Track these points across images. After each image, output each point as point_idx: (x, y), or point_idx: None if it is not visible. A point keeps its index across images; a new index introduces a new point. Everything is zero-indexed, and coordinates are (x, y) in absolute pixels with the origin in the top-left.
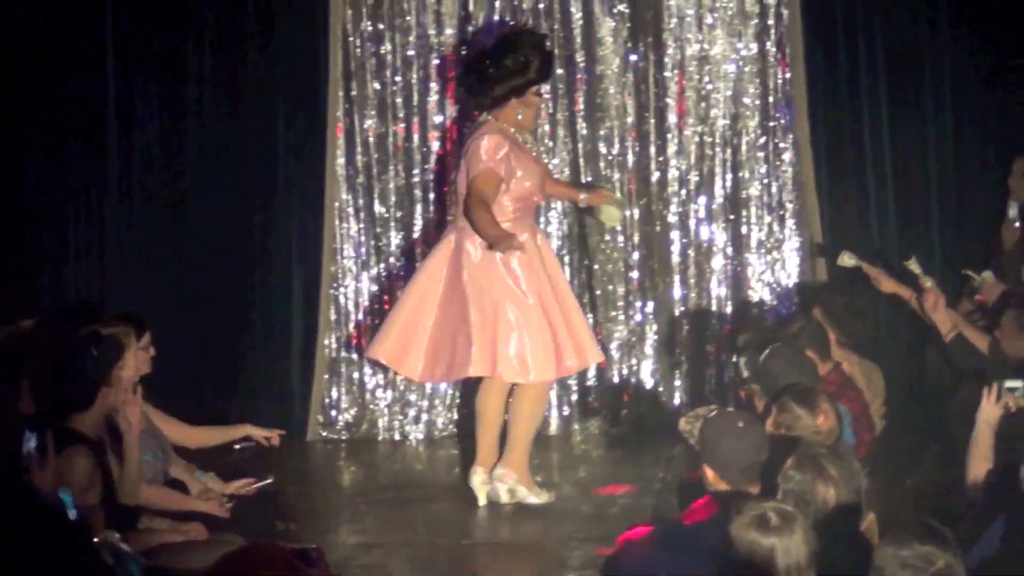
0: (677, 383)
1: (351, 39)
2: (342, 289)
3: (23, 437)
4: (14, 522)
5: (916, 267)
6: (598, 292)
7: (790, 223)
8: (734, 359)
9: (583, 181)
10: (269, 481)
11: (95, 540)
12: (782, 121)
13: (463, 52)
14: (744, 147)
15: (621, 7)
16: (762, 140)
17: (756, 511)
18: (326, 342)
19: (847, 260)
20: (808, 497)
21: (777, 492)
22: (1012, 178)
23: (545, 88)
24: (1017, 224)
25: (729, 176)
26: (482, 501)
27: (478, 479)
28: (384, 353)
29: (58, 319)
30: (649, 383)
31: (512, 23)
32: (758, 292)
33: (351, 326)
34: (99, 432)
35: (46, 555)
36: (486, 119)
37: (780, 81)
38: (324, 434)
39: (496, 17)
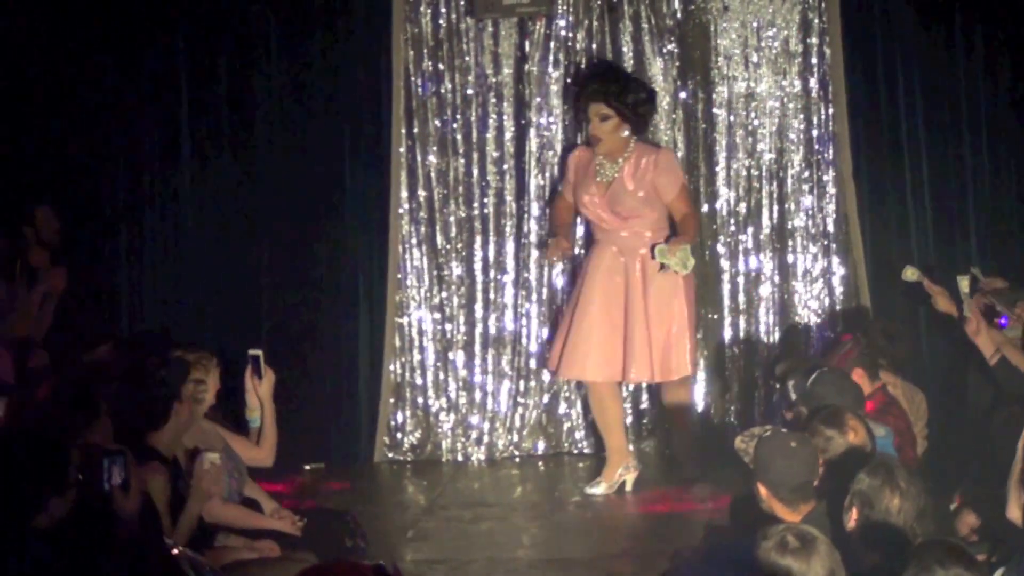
0: (727, 406)
1: (413, 79)
2: (406, 317)
3: (103, 468)
4: (103, 540)
5: (966, 286)
6: None
7: (834, 252)
8: (782, 384)
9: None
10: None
11: (175, 553)
12: (826, 155)
13: (522, 89)
14: (790, 180)
15: (670, 47)
16: (807, 173)
17: (778, 533)
18: (391, 368)
19: (911, 274)
20: (874, 501)
21: (847, 498)
22: None
23: (595, 112)
24: None
25: (776, 208)
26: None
27: None
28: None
29: (134, 345)
30: (700, 406)
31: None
32: (804, 319)
33: (415, 352)
34: (173, 451)
35: (133, 568)
36: None
37: (823, 116)
38: (390, 455)
39: (551, 58)
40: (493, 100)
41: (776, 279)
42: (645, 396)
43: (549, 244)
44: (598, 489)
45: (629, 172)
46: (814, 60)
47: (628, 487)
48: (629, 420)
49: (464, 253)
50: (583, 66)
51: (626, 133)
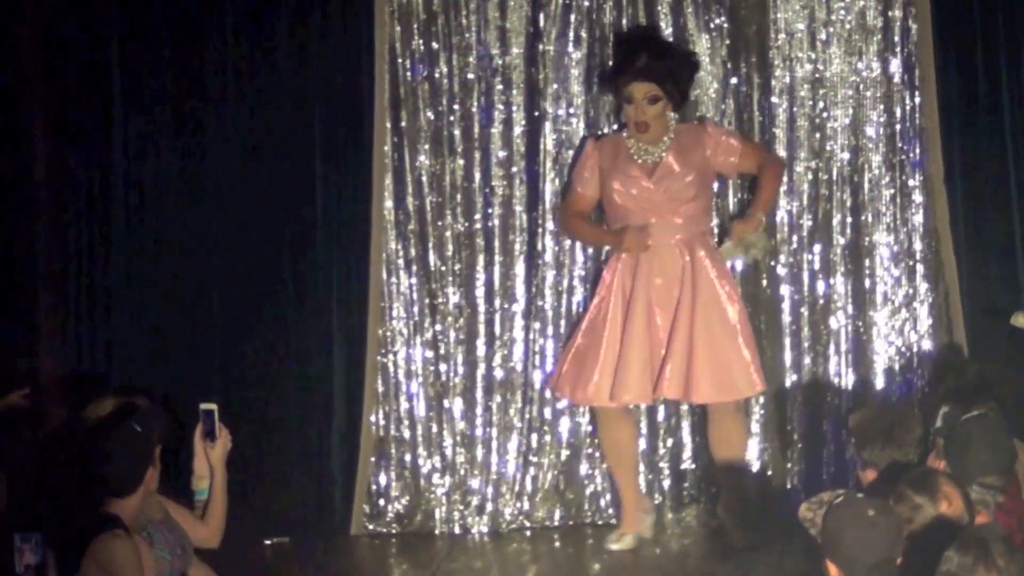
0: (789, 466)
1: (400, 61)
2: (391, 356)
3: (15, 548)
4: None
5: None
6: None
7: (921, 275)
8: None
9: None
10: None
11: None
12: (911, 155)
13: (535, 73)
14: (866, 185)
15: (719, 20)
16: (887, 177)
17: None
18: (372, 419)
19: (1022, 320)
20: None
21: None
22: None
23: (643, 94)
24: None
25: (849, 220)
26: None
27: None
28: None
29: (58, 393)
30: (755, 466)
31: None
32: (884, 357)
33: (402, 400)
34: (136, 523)
35: None
36: None
37: (908, 108)
38: (371, 527)
39: (571, 34)
40: (499, 87)
41: (849, 308)
42: (687, 454)
43: (627, 234)
44: (624, 543)
45: (675, 153)
46: (896, 37)
47: (647, 533)
48: (667, 483)
49: (463, 276)
50: (612, 37)
51: (670, 113)
